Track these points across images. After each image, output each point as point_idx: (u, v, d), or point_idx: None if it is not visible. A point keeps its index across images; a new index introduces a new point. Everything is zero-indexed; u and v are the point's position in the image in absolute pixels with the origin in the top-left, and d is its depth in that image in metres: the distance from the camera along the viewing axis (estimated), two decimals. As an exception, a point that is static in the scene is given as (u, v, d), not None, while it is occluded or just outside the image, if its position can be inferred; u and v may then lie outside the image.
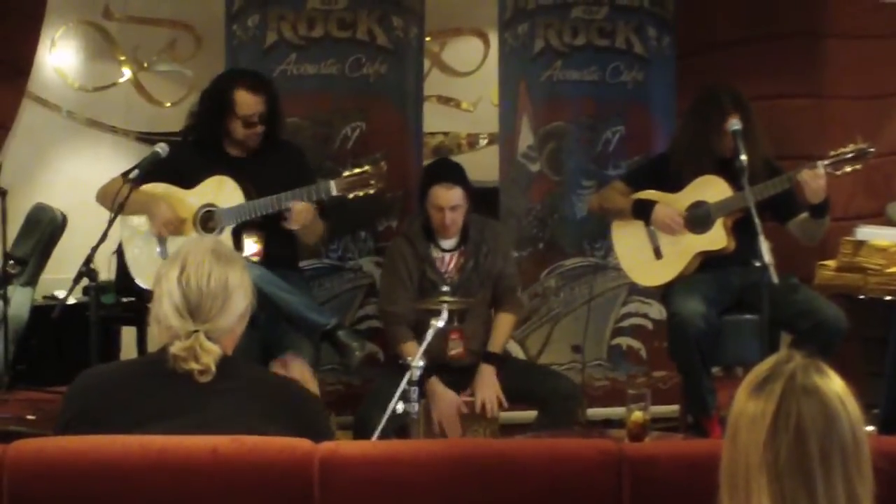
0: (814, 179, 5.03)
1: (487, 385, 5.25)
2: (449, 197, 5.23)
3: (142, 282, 5.20)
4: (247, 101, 5.18)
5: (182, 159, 5.07)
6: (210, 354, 2.75)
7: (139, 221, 5.19)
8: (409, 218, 5.92)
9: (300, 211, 5.00)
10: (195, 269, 2.80)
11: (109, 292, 6.03)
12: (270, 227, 5.11)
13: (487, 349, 5.33)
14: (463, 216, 5.29)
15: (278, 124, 5.35)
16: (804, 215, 5.24)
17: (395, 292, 5.35)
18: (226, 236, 5.03)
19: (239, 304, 2.85)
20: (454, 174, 5.33)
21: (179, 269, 2.81)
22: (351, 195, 5.01)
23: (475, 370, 5.27)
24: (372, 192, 5.02)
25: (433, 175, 5.37)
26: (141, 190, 4.82)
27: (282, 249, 5.22)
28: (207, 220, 5.12)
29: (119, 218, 4.75)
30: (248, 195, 5.06)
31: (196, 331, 2.76)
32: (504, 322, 5.41)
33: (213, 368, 2.74)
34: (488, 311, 5.43)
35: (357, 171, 5.01)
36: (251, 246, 5.10)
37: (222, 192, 5.11)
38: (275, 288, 4.90)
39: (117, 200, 4.69)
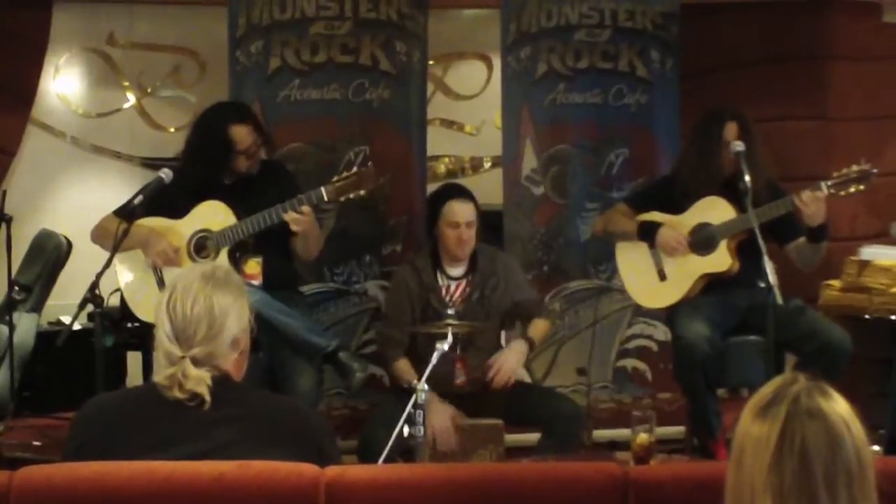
0: (813, 202, 5.03)
1: (511, 358, 5.26)
2: (465, 211, 5.25)
3: (143, 316, 5.21)
4: (243, 135, 5.19)
5: (171, 193, 4.98)
6: (199, 381, 2.70)
7: (129, 260, 5.18)
8: (419, 248, 5.91)
9: (302, 213, 4.99)
10: (182, 294, 2.77)
11: (110, 334, 6.00)
12: (268, 250, 5.11)
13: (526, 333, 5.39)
14: (475, 237, 5.30)
15: (268, 146, 5.39)
16: (802, 240, 5.23)
17: (392, 317, 5.40)
18: (222, 260, 5.02)
19: (230, 328, 2.79)
20: (465, 191, 5.40)
21: (168, 296, 2.79)
22: (342, 198, 5.02)
23: (475, 398, 5.24)
24: (363, 193, 5.03)
25: (445, 193, 5.42)
26: (135, 223, 4.79)
27: (281, 271, 5.22)
28: (201, 247, 5.11)
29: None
30: (239, 217, 5.05)
31: (183, 357, 2.73)
32: (539, 323, 5.44)
33: (207, 395, 2.70)
34: (495, 344, 5.43)
35: (346, 174, 5.03)
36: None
37: (213, 216, 5.09)
38: (274, 312, 4.90)
39: (117, 236, 4.63)
